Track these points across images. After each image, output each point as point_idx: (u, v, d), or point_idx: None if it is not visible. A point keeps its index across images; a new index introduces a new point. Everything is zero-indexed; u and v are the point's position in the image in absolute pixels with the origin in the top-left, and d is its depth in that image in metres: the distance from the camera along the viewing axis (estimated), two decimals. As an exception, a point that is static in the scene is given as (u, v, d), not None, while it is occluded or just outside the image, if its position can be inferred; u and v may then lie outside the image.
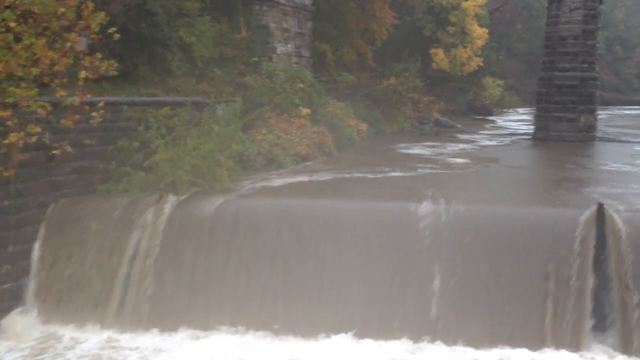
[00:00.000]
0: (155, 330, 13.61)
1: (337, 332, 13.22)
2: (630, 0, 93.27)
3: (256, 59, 27.66)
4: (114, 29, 15.12)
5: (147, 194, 15.60)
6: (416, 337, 13.07)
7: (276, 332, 13.42)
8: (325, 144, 24.53)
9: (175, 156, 16.30)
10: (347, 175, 19.63)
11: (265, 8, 29.92)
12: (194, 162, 16.36)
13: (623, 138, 35.95)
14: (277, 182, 18.33)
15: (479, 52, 49.55)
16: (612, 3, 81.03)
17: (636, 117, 61.65)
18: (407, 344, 12.98)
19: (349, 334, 13.18)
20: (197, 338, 13.33)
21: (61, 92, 13.82)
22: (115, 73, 15.29)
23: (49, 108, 13.65)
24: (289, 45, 31.45)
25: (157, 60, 21.37)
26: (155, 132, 16.89)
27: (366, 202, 15.70)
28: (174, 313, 13.81)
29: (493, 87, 57.32)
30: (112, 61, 14.88)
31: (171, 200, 15.20)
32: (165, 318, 13.78)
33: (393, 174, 20.20)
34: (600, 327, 13.14)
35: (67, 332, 13.56)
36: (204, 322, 13.66)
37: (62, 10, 13.76)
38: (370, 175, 19.67)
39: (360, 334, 13.17)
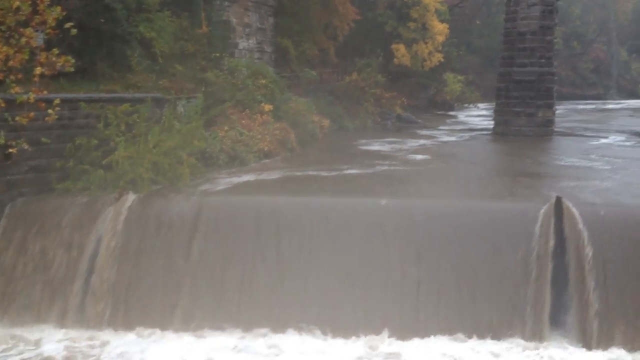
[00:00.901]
0: (114, 329, 13.47)
1: (301, 329, 13.29)
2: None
3: (217, 54, 27.43)
4: (71, 24, 14.81)
5: (107, 192, 15.37)
6: (377, 332, 13.19)
7: (234, 329, 13.38)
8: (288, 140, 24.47)
9: (135, 153, 16.09)
10: (305, 173, 19.46)
11: (226, 3, 29.67)
12: (154, 160, 16.18)
13: (580, 132, 36.67)
14: (238, 179, 18.14)
15: (440, 48, 49.92)
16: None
17: (592, 111, 63.02)
18: (366, 340, 13.08)
19: (315, 330, 13.27)
20: (156, 337, 13.23)
21: (16, 89, 13.52)
22: (73, 69, 15.01)
23: (3, 104, 13.35)
24: (250, 41, 31.27)
25: (117, 56, 21.03)
26: (114, 129, 16.64)
27: (326, 199, 15.70)
28: (134, 312, 13.67)
29: (454, 82, 57.86)
30: (69, 57, 14.61)
31: (131, 198, 15.00)
32: (125, 317, 13.63)
33: (351, 171, 20.07)
34: (560, 319, 13.39)
35: (27, 333, 13.31)
36: (163, 320, 13.55)
37: (17, 4, 13.45)
38: (327, 174, 19.50)
39: (324, 331, 13.26)
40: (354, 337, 13.14)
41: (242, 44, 30.54)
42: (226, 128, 21.99)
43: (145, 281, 13.93)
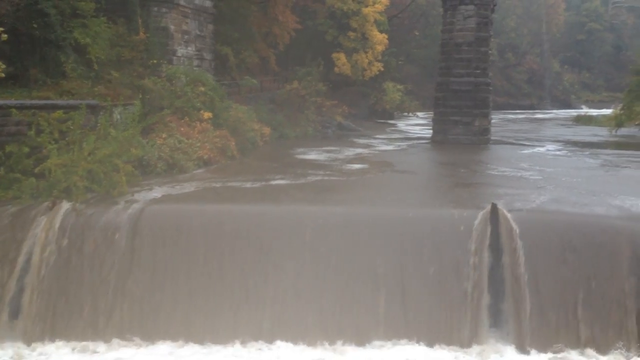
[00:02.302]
0: (48, 343, 13.07)
1: (244, 338, 13.26)
2: (521, 9, 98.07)
3: (155, 61, 27.03)
4: (1, 29, 14.35)
5: (39, 201, 14.90)
6: (312, 338, 13.26)
7: (175, 341, 13.23)
8: (228, 148, 24.27)
9: (69, 161, 15.67)
10: (230, 185, 18.82)
11: (164, 10, 29.28)
12: (89, 168, 15.80)
13: (514, 141, 37.68)
14: (171, 188, 17.69)
15: (380, 57, 50.57)
16: (503, 12, 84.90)
17: (527, 121, 64.92)
18: (293, 343, 13.17)
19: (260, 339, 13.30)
20: (90, 350, 12.93)
21: (-58, 95, 13.00)
22: (3, 75, 14.54)
23: None
24: (189, 48, 30.93)
25: (50, 62, 20.51)
26: (47, 137, 16.17)
27: (259, 206, 15.74)
28: (65, 324, 13.32)
29: (393, 91, 58.63)
30: (0, 63, 14.14)
31: (65, 207, 14.59)
32: (55, 329, 13.29)
33: (281, 181, 19.62)
34: (496, 322, 13.68)
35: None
36: (95, 332, 13.27)
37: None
38: (253, 185, 18.88)
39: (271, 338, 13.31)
40: (277, 343, 13.20)
41: (181, 51, 30.18)
42: (164, 135, 21.67)
43: (79, 292, 13.54)
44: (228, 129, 25.89)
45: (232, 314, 13.49)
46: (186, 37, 30.72)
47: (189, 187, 17.86)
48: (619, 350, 12.93)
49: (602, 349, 12.95)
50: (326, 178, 20.62)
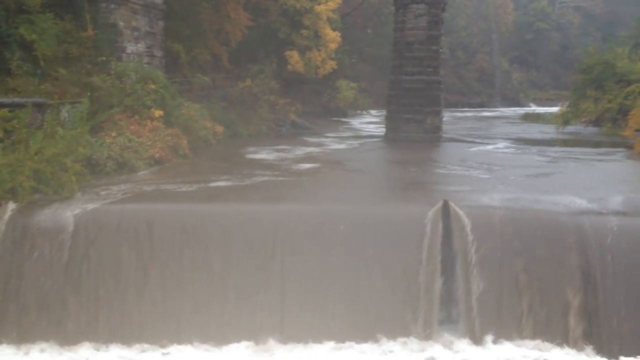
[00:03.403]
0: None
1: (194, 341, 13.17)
2: (471, 9, 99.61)
3: (104, 58, 26.51)
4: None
5: (-16, 202, 14.44)
6: (264, 338, 13.23)
7: (129, 343, 13.05)
8: (180, 147, 24.00)
9: (15, 161, 15.22)
10: (170, 187, 17.95)
11: (113, 6, 28.72)
12: (36, 167, 15.39)
13: (465, 138, 38.24)
14: (117, 187, 17.32)
15: (333, 56, 50.68)
16: (454, 11, 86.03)
17: (477, 118, 66.05)
18: (247, 346, 13.16)
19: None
20: (34, 353, 12.71)
21: None
22: (-57, 72, 14.05)
23: None
24: (139, 45, 30.42)
25: (-6, 59, 19.93)
26: (-9, 136, 15.71)
27: (202, 206, 15.64)
28: (12, 328, 13.06)
29: (347, 89, 58.83)
30: (-61, 59, 13.66)
31: (11, 208, 14.19)
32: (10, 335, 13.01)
33: (223, 183, 18.83)
34: (449, 317, 13.90)
35: None
36: (42, 335, 13.03)
37: None
38: (195, 187, 17.93)
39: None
40: (234, 344, 13.17)
41: (131, 47, 29.66)
42: (114, 134, 21.32)
43: (28, 294, 13.20)
44: (180, 127, 25.60)
45: (179, 315, 13.41)
46: (136, 33, 30.21)
47: (136, 187, 17.47)
48: (567, 345, 13.24)
49: (551, 340, 13.25)
50: (273, 179, 20.10)
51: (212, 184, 18.48)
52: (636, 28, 60.72)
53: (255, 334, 13.28)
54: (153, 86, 25.62)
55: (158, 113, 24.39)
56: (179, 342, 13.13)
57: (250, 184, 18.87)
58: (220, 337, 13.25)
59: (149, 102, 24.69)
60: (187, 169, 21.80)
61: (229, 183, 18.86)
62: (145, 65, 29.12)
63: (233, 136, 33.66)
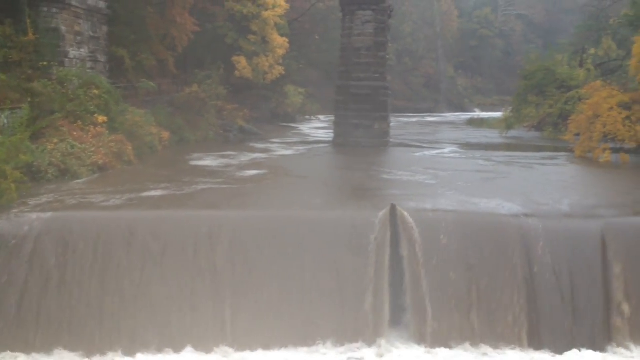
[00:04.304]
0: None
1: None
2: (417, 16, 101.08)
3: (45, 63, 25.85)
4: None
5: None
6: (209, 345, 13.16)
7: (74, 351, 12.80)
8: (124, 153, 23.55)
9: (-49, 168, 14.69)
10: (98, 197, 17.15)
11: (54, 10, 28.01)
12: (-28, 175, 14.85)
13: (412, 143, 38.69)
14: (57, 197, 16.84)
15: (281, 61, 50.60)
16: (400, 18, 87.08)
17: (423, 123, 66.93)
18: (191, 353, 13.06)
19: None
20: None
21: None
22: None
23: None
24: (82, 50, 29.75)
25: None
26: None
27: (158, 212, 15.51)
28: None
29: (295, 95, 58.90)
30: None
31: (-56, 218, 13.67)
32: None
33: (158, 193, 18.05)
34: (398, 319, 14.00)
35: None
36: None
37: None
38: (126, 197, 17.20)
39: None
40: (176, 352, 13.06)
41: (73, 52, 28.98)
42: (56, 140, 20.82)
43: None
44: (124, 133, 25.12)
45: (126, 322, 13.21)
46: (79, 38, 29.54)
47: (60, 197, 16.87)
48: (511, 345, 13.49)
49: (496, 345, 13.48)
50: (215, 187, 19.55)
51: (147, 194, 17.67)
52: (576, 36, 62.58)
53: (200, 341, 13.13)
54: (96, 91, 25.11)
55: (102, 119, 23.90)
56: (116, 350, 12.96)
57: (189, 193, 18.20)
58: (161, 344, 13.08)
59: (92, 108, 24.18)
60: (128, 177, 21.19)
61: (165, 192, 18.05)
62: (88, 71, 28.51)
63: (180, 142, 33.21)
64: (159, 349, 13.04)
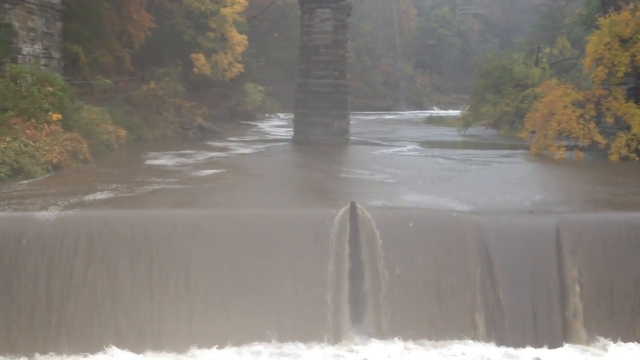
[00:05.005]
0: None
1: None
2: (376, 14, 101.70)
3: (-3, 60, 25.21)
4: None
5: None
6: (183, 346, 13.01)
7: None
8: (80, 152, 23.13)
9: None
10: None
11: (7, 5, 27.27)
12: None
13: (371, 141, 38.91)
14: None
15: (240, 59, 50.36)
16: (359, 16, 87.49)
17: (383, 121, 67.40)
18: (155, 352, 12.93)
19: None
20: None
21: None
22: None
23: None
24: (36, 46, 29.05)
25: None
26: None
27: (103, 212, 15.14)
28: None
29: (254, 92, 58.71)
30: None
31: None
32: None
33: (103, 196, 16.85)
34: (357, 315, 14.03)
35: None
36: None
37: None
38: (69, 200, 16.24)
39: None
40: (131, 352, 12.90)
41: (27, 49, 28.27)
42: (8, 139, 20.35)
43: None
44: (80, 131, 24.67)
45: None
46: (32, 34, 28.83)
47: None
48: (468, 340, 13.64)
49: (453, 339, 13.62)
50: (168, 187, 18.85)
51: (91, 197, 16.41)
52: (531, 35, 63.88)
53: (159, 341, 12.99)
54: (50, 89, 24.56)
55: (56, 116, 23.40)
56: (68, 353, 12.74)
57: (138, 195, 17.34)
58: (118, 345, 12.91)
59: (46, 106, 23.65)
60: (79, 177, 20.58)
61: (111, 195, 16.92)
62: (42, 67, 27.86)
63: (137, 140, 32.72)
64: (105, 351, 12.85)
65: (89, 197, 16.39)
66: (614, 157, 27.28)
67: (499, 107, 44.64)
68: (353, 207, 14.80)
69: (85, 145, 23.84)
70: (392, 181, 21.15)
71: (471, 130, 44.91)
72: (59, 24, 31.26)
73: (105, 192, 17.38)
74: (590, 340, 13.80)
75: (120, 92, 37.60)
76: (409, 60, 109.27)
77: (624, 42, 27.88)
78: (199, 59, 47.40)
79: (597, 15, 31.89)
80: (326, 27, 35.25)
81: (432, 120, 64.40)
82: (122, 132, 29.95)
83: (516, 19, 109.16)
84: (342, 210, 14.68)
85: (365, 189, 19.40)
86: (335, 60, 35.53)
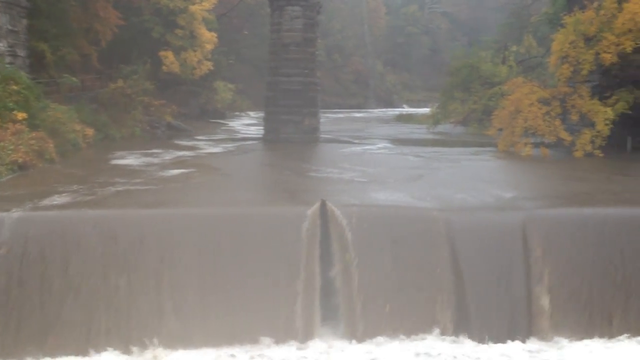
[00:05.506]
0: None
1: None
2: (346, 12, 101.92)
3: (-40, 58, 24.69)
4: None
5: None
6: (139, 345, 12.94)
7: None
8: (46, 151, 22.72)
9: None
10: None
11: (-31, 2, 26.78)
12: None
13: (342, 139, 38.99)
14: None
15: (209, 56, 50.07)
16: (329, 14, 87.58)
17: (353, 119, 67.61)
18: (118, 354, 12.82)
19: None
20: None
21: None
22: None
23: None
24: (0, 44, 28.50)
25: None
26: None
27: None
28: None
29: (224, 90, 58.43)
30: None
31: None
32: None
33: (60, 199, 16.04)
34: (329, 316, 14.04)
35: None
36: None
37: None
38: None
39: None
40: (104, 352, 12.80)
41: (-9, 47, 27.78)
42: (-28, 139, 19.88)
43: None
44: (46, 130, 24.25)
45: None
46: (-4, 32, 28.31)
47: None
48: (439, 336, 13.77)
49: (424, 336, 13.74)
50: (132, 188, 18.31)
51: (46, 202, 15.60)
52: (499, 33, 64.49)
53: (126, 341, 12.89)
54: (15, 87, 24.13)
55: (21, 115, 22.97)
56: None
57: (100, 197, 16.60)
58: (89, 346, 12.80)
59: (10, 104, 23.23)
60: (41, 177, 20.01)
61: (69, 199, 16.05)
62: (7, 66, 27.30)
63: (104, 139, 32.28)
64: (77, 352, 12.74)
65: (45, 202, 15.53)
66: (578, 154, 27.77)
67: (467, 105, 45.01)
68: (323, 205, 14.84)
69: (52, 145, 23.43)
70: (363, 179, 21.20)
71: (440, 128, 45.23)
72: (24, 22, 30.71)
73: (65, 194, 16.61)
74: (555, 335, 14.01)
75: (87, 90, 37.08)
76: (378, 58, 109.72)
77: (588, 40, 28.37)
78: (168, 56, 47.00)
79: (562, 14, 32.43)
80: (296, 25, 35.20)
81: (401, 118, 64.69)
82: (90, 131, 29.51)
83: (484, 17, 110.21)
84: (313, 209, 14.71)
85: (335, 187, 19.45)
86: (305, 58, 35.50)
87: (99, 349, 12.80)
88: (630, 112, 28.21)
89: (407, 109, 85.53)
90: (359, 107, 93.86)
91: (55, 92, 31.81)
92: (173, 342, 13.02)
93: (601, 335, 14.10)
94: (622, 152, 28.80)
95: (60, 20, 35.84)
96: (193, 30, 48.17)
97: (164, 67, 46.85)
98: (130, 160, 25.59)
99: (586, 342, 13.93)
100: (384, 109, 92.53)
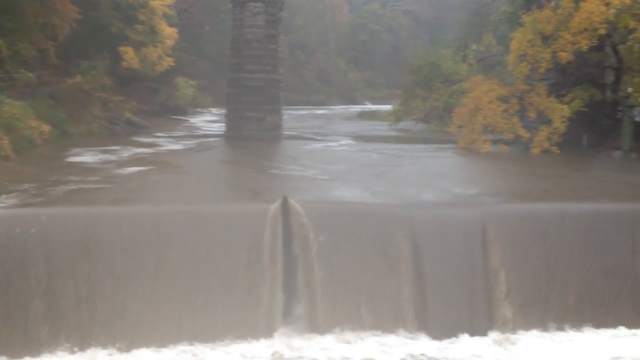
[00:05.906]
0: None
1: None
2: (308, 9, 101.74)
3: None
4: None
5: None
6: (105, 344, 12.89)
7: None
8: (1, 148, 22.23)
9: None
10: None
11: None
12: None
13: (304, 135, 38.99)
14: None
15: (170, 52, 49.44)
16: (291, 10, 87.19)
17: (316, 116, 67.63)
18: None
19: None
20: None
21: None
22: None
23: None
24: (-47, 38, 27.76)
25: None
26: None
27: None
28: None
29: (185, 87, 57.84)
30: None
31: None
32: None
33: (7, 199, 15.37)
34: (291, 310, 14.13)
35: None
36: None
37: None
38: None
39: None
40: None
41: (-58, 41, 26.96)
42: None
43: None
44: (0, 126, 23.72)
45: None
46: (-52, 25, 27.51)
47: None
48: (399, 330, 13.89)
49: (385, 330, 13.87)
50: (86, 187, 17.82)
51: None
52: (459, 32, 65.20)
53: (92, 340, 12.81)
54: (-32, 82, 23.57)
55: (-24, 111, 22.46)
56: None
57: (51, 197, 16.17)
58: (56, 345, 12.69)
59: (-37, 100, 22.67)
60: None
61: (16, 201, 15.34)
62: (-40, 61, 26.66)
63: (62, 135, 31.61)
64: (51, 350, 12.62)
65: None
66: (536, 150, 28.27)
67: (429, 102, 45.42)
68: (285, 201, 14.82)
69: (7, 141, 22.95)
70: (325, 177, 21.23)
71: (402, 125, 45.55)
72: (-22, 16, 29.95)
73: (14, 194, 16.00)
74: (514, 328, 14.26)
75: (44, 86, 36.28)
76: (341, 55, 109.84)
77: (545, 39, 28.86)
78: (128, 52, 46.17)
79: (521, 13, 32.90)
80: (258, 21, 35.00)
81: (364, 115, 64.96)
82: (46, 128, 28.95)
83: (445, 15, 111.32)
84: (275, 205, 14.69)
85: (298, 184, 19.43)
86: (267, 54, 35.34)
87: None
88: (585, 109, 28.81)
89: (369, 106, 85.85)
90: (322, 104, 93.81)
91: (11, 88, 31.05)
92: (137, 340, 12.95)
93: (560, 328, 14.40)
94: (578, 148, 29.42)
95: (16, 14, 34.96)
96: (153, 25, 47.44)
97: (123, 63, 46.03)
98: (87, 157, 24.98)
99: (544, 333, 14.21)
100: (346, 106, 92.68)
